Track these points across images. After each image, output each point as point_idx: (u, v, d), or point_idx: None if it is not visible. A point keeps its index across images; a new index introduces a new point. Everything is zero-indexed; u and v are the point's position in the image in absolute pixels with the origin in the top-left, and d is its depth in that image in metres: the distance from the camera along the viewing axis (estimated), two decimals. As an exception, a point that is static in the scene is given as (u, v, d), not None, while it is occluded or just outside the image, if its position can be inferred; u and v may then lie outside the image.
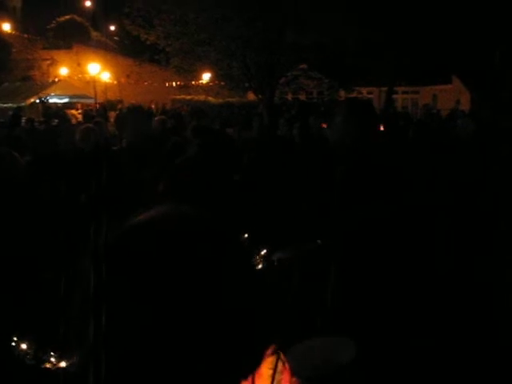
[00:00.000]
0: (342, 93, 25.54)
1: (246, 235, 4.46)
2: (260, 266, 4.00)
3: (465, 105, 22.36)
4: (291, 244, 3.67)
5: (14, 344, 2.84)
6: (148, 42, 21.89)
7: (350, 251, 3.02)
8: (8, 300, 3.00)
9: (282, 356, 1.09)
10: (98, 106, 24.06)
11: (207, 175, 4.51)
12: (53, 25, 44.18)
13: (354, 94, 26.83)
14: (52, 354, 2.90)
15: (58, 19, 44.41)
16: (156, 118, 7.07)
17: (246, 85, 21.76)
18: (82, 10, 48.94)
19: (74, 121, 21.09)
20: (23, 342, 2.89)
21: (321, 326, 2.73)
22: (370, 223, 3.07)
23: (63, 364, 2.92)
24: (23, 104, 27.12)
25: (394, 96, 25.46)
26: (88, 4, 50.20)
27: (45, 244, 3.24)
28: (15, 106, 25.52)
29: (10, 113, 22.15)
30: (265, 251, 4.04)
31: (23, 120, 16.52)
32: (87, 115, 15.86)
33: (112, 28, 46.37)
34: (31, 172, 3.71)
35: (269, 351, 0.99)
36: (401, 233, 3.54)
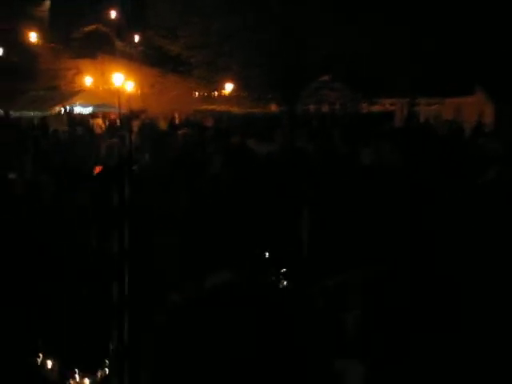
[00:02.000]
0: (365, 105, 25.48)
1: (267, 254, 4.49)
2: (281, 285, 4.03)
3: (489, 116, 22.14)
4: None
5: (39, 363, 2.90)
6: (172, 53, 22.13)
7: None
8: (34, 320, 3.07)
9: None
10: (120, 115, 24.32)
11: (230, 192, 4.56)
12: (78, 35, 44.72)
13: (376, 106, 26.79)
14: (76, 371, 2.95)
15: (84, 29, 44.94)
16: (180, 132, 7.15)
17: (269, 96, 21.87)
18: (107, 21, 49.42)
19: (98, 130, 21.33)
20: (48, 361, 2.95)
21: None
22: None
23: (87, 382, 2.98)
24: (49, 113, 27.52)
25: (417, 108, 25.30)
26: (113, 15, 50.73)
27: (71, 263, 3.31)
28: (41, 114, 25.92)
29: (36, 122, 22.51)
30: (284, 270, 4.06)
31: (50, 130, 16.82)
32: (111, 126, 16.07)
33: (136, 38, 46.84)
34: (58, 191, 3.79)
35: None
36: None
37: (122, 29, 49.19)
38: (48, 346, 3.04)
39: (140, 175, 4.32)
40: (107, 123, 22.92)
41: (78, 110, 30.34)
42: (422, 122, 25.52)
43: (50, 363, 2.95)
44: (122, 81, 30.11)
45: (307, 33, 18.37)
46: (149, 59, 40.33)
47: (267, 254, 4.05)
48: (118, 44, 47.42)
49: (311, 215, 4.42)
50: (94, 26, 45.80)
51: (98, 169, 4.97)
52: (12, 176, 5.33)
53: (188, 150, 5.55)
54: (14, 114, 25.94)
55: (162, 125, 22.38)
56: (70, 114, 27.35)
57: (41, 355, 2.96)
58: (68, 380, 2.93)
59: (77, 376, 2.95)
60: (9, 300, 3.48)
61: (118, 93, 27.34)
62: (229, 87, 27.45)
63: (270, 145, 9.30)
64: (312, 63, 19.65)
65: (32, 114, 26.90)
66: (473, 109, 23.91)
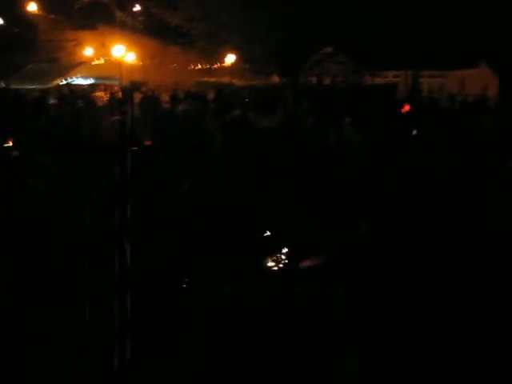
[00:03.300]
0: (368, 77, 25.30)
1: (268, 233, 4.52)
2: (281, 265, 4.06)
3: (494, 89, 22.00)
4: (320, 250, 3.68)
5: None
6: (172, 25, 21.92)
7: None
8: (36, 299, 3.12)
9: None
10: (121, 88, 24.15)
11: (233, 172, 4.58)
12: (78, 5, 44.17)
13: (379, 78, 26.60)
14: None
15: (84, 0, 44.38)
16: (180, 108, 7.13)
17: (271, 68, 21.72)
18: (107, -10, 48.76)
19: (99, 103, 21.22)
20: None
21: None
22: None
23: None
24: (49, 86, 27.36)
25: (421, 80, 25.11)
26: (113, -16, 49.97)
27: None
28: (41, 87, 25.78)
29: (36, 94, 22.37)
30: (286, 250, 4.09)
31: (51, 101, 16.79)
32: (113, 100, 15.99)
33: (137, 8, 46.27)
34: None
35: None
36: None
37: (123, -1, 48.62)
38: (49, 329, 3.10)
39: (141, 155, 4.33)
40: (108, 96, 22.80)
41: (78, 82, 30.16)
42: (426, 95, 25.37)
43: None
44: (123, 52, 29.86)
45: (310, 4, 18.16)
46: (149, 31, 39.92)
47: (267, 233, 4.09)
48: (119, 15, 46.92)
49: (310, 193, 4.42)
50: (94, -4, 45.27)
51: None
52: (15, 154, 5.36)
53: (189, 129, 5.55)
54: (15, 86, 25.78)
55: (164, 97, 22.27)
56: (70, 86, 27.19)
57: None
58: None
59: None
60: (10, 277, 3.52)
61: (118, 64, 27.18)
62: (230, 59, 27.23)
63: (271, 118, 9.26)
64: (314, 35, 19.42)
65: (33, 86, 26.74)
66: (477, 81, 23.75)
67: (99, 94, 26.43)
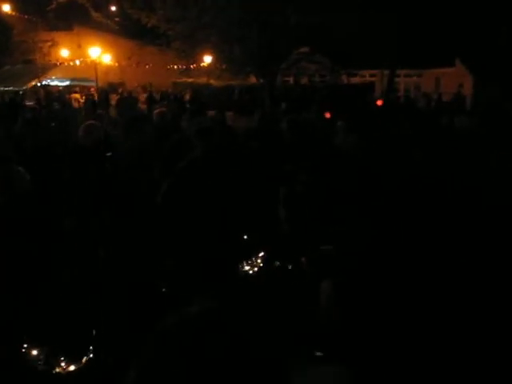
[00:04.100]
0: (345, 76, 25.43)
1: (246, 236, 4.52)
2: (256, 269, 4.06)
3: (468, 88, 22.29)
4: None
5: (24, 350, 2.92)
6: (149, 25, 21.77)
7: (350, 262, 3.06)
8: (18, 307, 3.07)
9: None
10: (98, 90, 24.03)
11: (211, 177, 4.56)
12: (53, 6, 43.73)
13: (356, 78, 26.79)
14: (62, 358, 2.98)
15: (58, 0, 43.98)
16: (156, 111, 7.07)
17: (248, 68, 21.67)
18: (82, -9, 48.35)
19: (76, 104, 21.08)
20: (34, 349, 2.97)
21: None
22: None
23: (72, 368, 3.01)
24: (24, 88, 27.04)
25: (397, 79, 25.31)
26: (89, -16, 49.58)
27: (51, 249, 3.31)
28: (16, 89, 25.48)
29: (11, 96, 22.11)
30: (262, 254, 4.09)
31: (29, 103, 16.68)
32: (89, 102, 15.85)
33: (113, 9, 45.94)
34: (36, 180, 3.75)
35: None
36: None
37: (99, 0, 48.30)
38: (32, 333, 3.06)
39: (116, 160, 4.31)
40: (84, 97, 22.62)
41: (54, 83, 29.87)
42: (402, 94, 25.58)
43: (35, 351, 2.97)
44: (99, 53, 29.67)
45: (285, 4, 18.16)
46: (126, 31, 39.70)
47: (247, 236, 4.08)
48: (95, 15, 46.58)
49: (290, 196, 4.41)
50: (69, -3, 44.85)
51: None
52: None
53: (164, 133, 5.52)
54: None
55: (142, 98, 22.21)
56: (46, 88, 26.89)
57: (26, 343, 2.98)
58: (54, 367, 2.96)
59: (62, 363, 2.97)
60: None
61: (95, 66, 26.98)
62: (208, 59, 27.19)
63: (248, 119, 9.22)
64: (291, 35, 19.43)
65: (8, 88, 26.40)
66: (452, 80, 24.01)
67: (75, 95, 26.24)
